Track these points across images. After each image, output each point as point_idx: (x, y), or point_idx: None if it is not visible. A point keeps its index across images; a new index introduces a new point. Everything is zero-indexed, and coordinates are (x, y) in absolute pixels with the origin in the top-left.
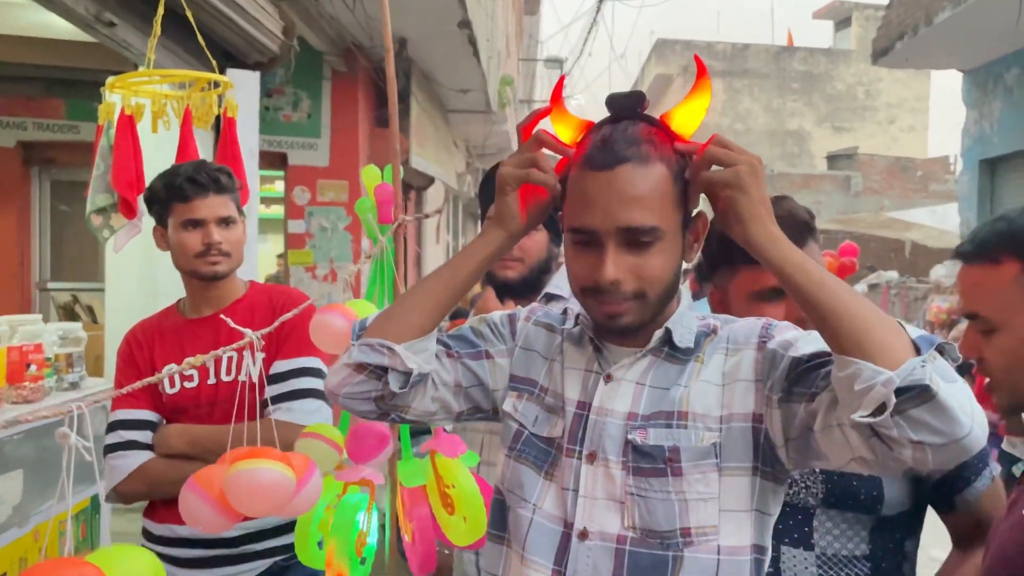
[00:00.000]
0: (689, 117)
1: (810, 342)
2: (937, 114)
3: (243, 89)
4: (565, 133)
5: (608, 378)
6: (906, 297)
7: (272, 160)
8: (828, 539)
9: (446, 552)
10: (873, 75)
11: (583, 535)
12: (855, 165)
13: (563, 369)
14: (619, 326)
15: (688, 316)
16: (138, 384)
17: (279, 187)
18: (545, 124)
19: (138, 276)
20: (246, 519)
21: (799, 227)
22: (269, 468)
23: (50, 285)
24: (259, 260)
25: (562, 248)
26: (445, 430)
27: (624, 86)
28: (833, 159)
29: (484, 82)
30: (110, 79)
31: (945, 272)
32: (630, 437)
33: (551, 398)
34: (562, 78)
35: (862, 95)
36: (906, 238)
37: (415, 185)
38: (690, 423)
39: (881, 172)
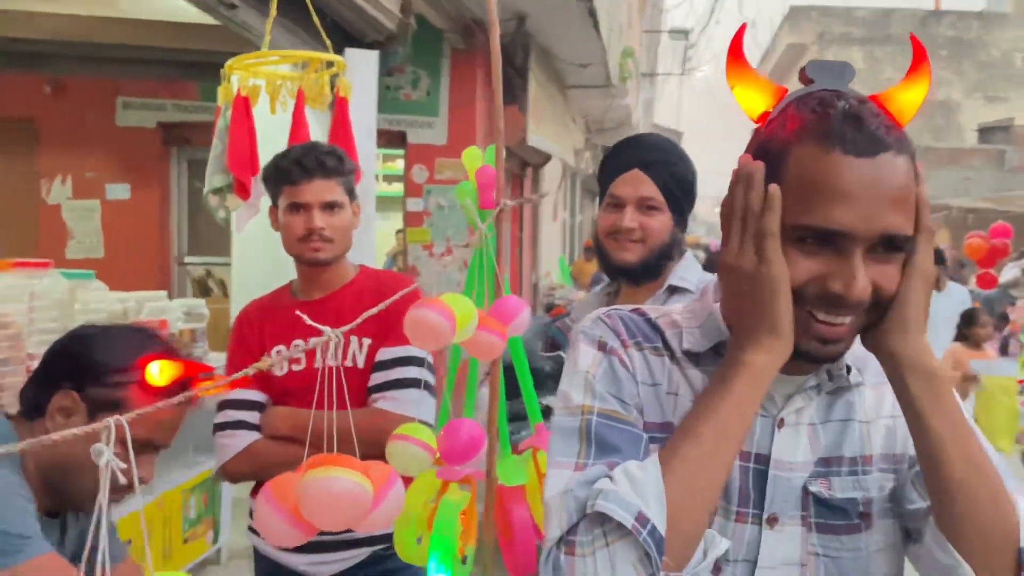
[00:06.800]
0: (909, 104)
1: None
2: None
3: (361, 68)
4: (751, 97)
5: (781, 423)
6: None
7: (392, 139)
8: None
9: None
10: None
11: None
12: (1010, 138)
13: None
14: (831, 354)
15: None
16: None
17: (400, 165)
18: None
19: (262, 253)
20: (323, 534)
21: None
22: (344, 477)
23: (186, 260)
24: (379, 236)
25: (683, 235)
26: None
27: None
28: (985, 132)
29: (604, 56)
30: (229, 61)
31: None
32: (813, 489)
33: None
34: (743, 27)
35: (1020, 62)
36: None
37: (532, 162)
38: (875, 467)
39: None
